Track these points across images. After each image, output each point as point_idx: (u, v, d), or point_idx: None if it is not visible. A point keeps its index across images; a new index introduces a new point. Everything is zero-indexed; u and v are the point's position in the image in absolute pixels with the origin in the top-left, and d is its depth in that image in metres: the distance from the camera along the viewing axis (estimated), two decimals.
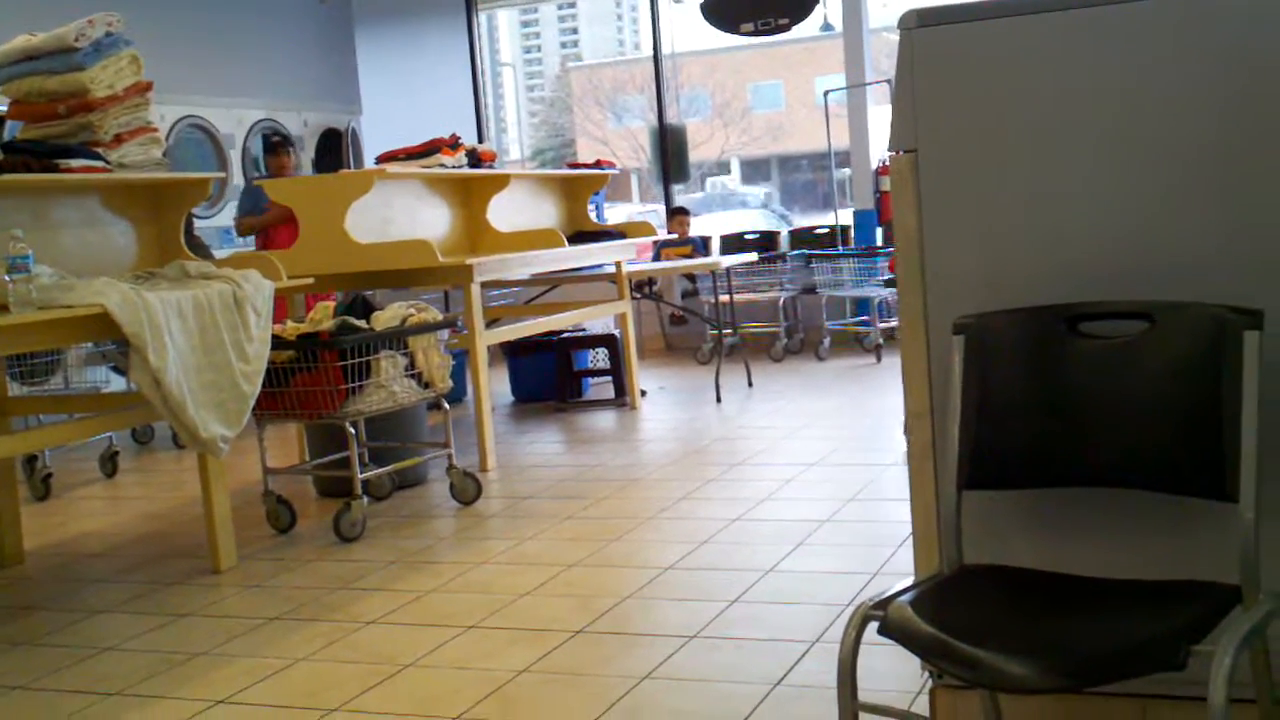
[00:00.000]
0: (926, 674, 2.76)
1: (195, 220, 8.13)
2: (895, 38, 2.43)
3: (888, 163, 2.72)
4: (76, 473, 6.71)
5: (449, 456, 5.25)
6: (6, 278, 3.88)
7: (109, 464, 6.66)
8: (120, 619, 4.05)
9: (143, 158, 4.65)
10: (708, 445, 6.23)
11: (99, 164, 4.43)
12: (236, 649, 3.64)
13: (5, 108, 4.61)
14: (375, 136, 10.43)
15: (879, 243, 9.64)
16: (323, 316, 4.95)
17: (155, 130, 4.74)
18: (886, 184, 9.41)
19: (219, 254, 6.77)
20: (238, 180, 9.29)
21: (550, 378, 7.92)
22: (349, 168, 10.22)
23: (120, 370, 6.72)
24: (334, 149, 10.52)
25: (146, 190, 4.90)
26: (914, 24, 2.38)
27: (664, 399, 7.93)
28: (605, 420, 7.29)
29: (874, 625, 2.01)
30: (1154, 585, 2.06)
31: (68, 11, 4.82)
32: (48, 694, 3.40)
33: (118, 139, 4.56)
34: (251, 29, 9.73)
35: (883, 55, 10.83)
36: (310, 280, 5.12)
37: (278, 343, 4.68)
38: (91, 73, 4.47)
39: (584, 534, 4.62)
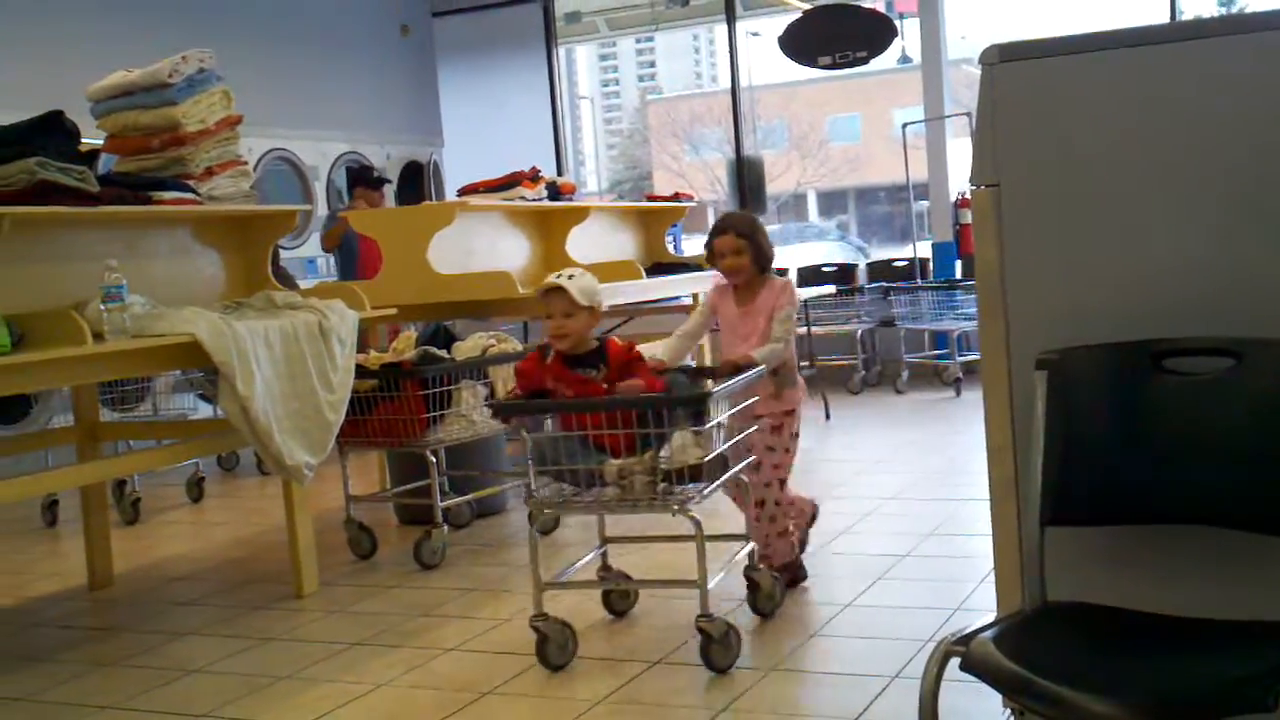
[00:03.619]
0: (1008, 712, 2.73)
1: (281, 251, 8.27)
2: (973, 70, 2.44)
3: (968, 195, 2.71)
4: (164, 498, 6.84)
5: (527, 485, 5.27)
6: (101, 306, 3.99)
7: (195, 489, 6.79)
8: (206, 642, 4.12)
9: (232, 190, 4.76)
10: None
11: (190, 196, 4.54)
12: (319, 673, 3.69)
13: (102, 141, 4.74)
14: (456, 169, 10.58)
15: (958, 275, 9.57)
16: (405, 346, 5.03)
17: (244, 163, 4.85)
18: (966, 216, 9.35)
19: (303, 284, 6.89)
20: (322, 212, 9.45)
21: None
22: (431, 200, 10.35)
23: (207, 397, 6.85)
24: (416, 181, 10.68)
25: (235, 222, 5.01)
26: (996, 59, 2.38)
27: None
28: None
29: (955, 661, 2.00)
30: (1241, 625, 2.03)
31: (163, 46, 4.95)
32: (136, 714, 3.47)
33: (208, 172, 4.68)
34: (336, 63, 9.92)
35: (961, 87, 10.78)
36: (393, 311, 5.20)
37: (361, 372, 4.75)
38: (184, 107, 4.59)
39: (662, 564, 4.62)
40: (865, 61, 10.06)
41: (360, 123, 10.11)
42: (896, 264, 10.32)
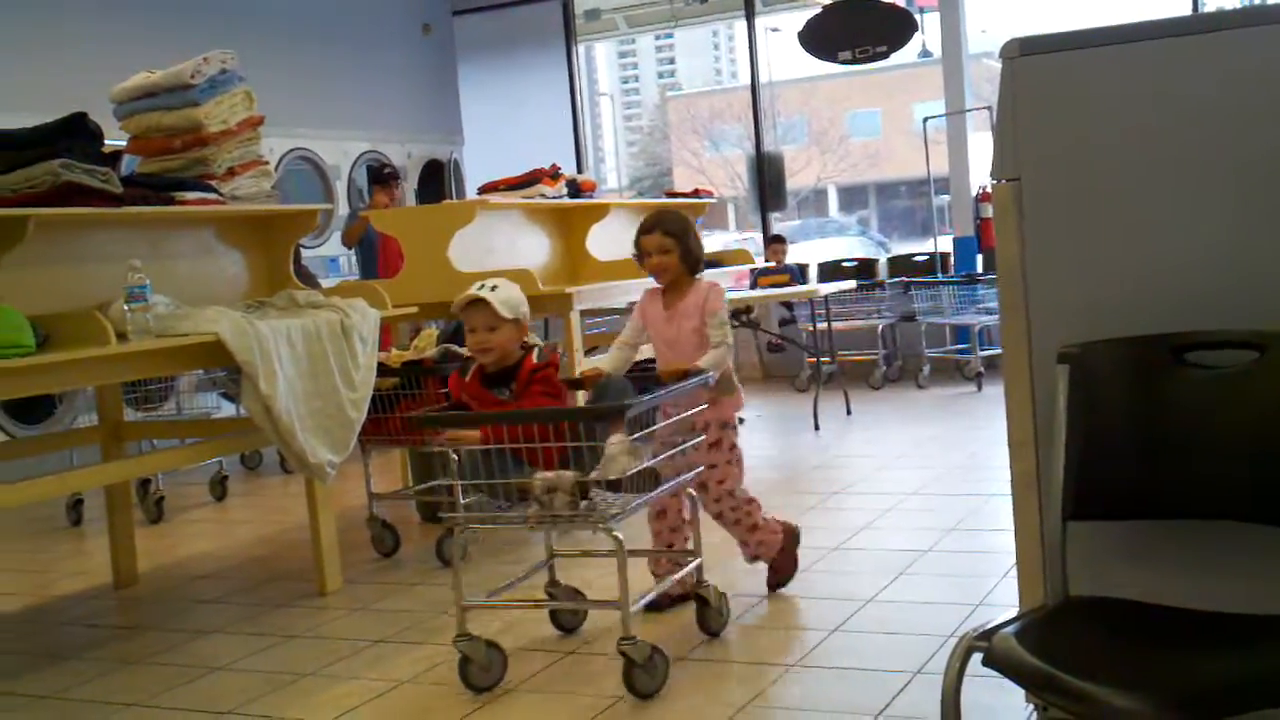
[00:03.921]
0: (1031, 707, 2.73)
1: (302, 250, 8.30)
2: (994, 63, 2.43)
3: (988, 189, 2.70)
4: (187, 496, 6.88)
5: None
6: (125, 307, 4.01)
7: (219, 488, 6.82)
8: (230, 639, 4.14)
9: (254, 190, 4.77)
10: (806, 473, 6.21)
11: (213, 196, 4.56)
12: (342, 671, 3.71)
13: (125, 143, 4.76)
14: (477, 167, 10.60)
15: (979, 270, 9.55)
16: (426, 344, 5.04)
17: (266, 163, 4.87)
18: (987, 211, 9.32)
19: (325, 283, 6.92)
20: (343, 211, 9.49)
21: None
22: (451, 198, 10.38)
23: (230, 396, 6.88)
24: (436, 180, 10.70)
25: (257, 222, 5.03)
26: (1016, 53, 2.38)
27: (761, 427, 7.92)
28: None
29: (977, 657, 2.00)
30: (1264, 620, 2.02)
31: (185, 47, 4.97)
32: (161, 711, 3.49)
33: (230, 172, 4.70)
34: (357, 62, 9.95)
35: (982, 81, 10.76)
36: (415, 309, 5.21)
37: (382, 370, 4.76)
38: (206, 108, 4.61)
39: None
40: (885, 56, 10.05)
41: (381, 122, 10.14)
42: (917, 259, 10.30)
